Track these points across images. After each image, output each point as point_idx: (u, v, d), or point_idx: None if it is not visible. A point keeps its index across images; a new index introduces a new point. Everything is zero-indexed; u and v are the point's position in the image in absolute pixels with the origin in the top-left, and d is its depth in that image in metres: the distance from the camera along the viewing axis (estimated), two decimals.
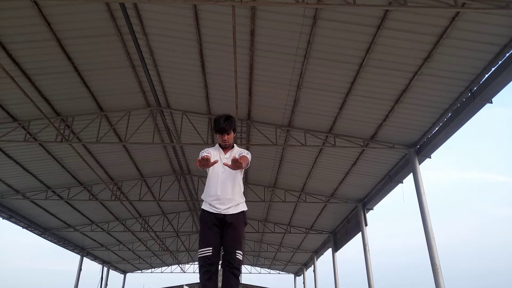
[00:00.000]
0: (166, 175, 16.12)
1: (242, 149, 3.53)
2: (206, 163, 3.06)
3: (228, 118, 3.43)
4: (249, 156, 3.39)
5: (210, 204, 3.30)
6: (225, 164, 3.22)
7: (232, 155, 3.32)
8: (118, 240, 23.39)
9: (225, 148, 3.51)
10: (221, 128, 3.39)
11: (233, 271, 3.15)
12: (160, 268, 32.63)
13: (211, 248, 3.15)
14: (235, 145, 3.60)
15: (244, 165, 3.11)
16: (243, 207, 3.37)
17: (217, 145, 3.59)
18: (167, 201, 17.19)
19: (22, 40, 8.03)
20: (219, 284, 3.22)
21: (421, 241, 9.54)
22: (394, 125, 9.85)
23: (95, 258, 25.84)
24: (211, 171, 3.38)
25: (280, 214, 18.52)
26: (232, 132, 3.48)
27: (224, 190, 3.30)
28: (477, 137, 79.63)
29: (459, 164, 79.76)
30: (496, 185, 67.44)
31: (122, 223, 20.09)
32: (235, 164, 3.03)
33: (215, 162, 3.21)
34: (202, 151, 3.44)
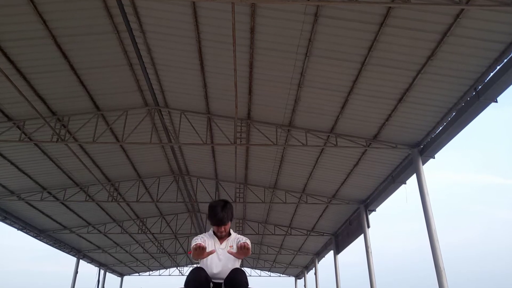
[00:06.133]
0: (164, 176, 15.96)
1: (240, 236, 3.20)
2: (201, 252, 2.74)
3: (225, 207, 3.07)
4: (249, 242, 3.00)
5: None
6: (229, 252, 2.97)
7: (229, 245, 3.06)
8: (115, 242, 23.18)
9: (221, 237, 3.16)
10: (218, 220, 3.04)
11: None
12: (158, 270, 32.52)
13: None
14: (231, 230, 3.24)
15: (249, 252, 2.87)
16: None
17: (211, 231, 3.21)
18: (165, 202, 17.01)
19: (17, 38, 7.91)
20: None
21: (425, 243, 9.41)
22: (397, 124, 9.73)
23: (91, 260, 25.64)
24: (205, 260, 3.03)
25: (281, 216, 18.38)
26: (229, 222, 3.13)
27: (221, 274, 3.02)
28: (482, 137, 79.59)
29: (462, 165, 79.83)
30: (499, 187, 67.49)
31: (119, 225, 19.93)
32: (242, 250, 2.76)
33: (212, 252, 2.92)
34: (195, 238, 3.09)
